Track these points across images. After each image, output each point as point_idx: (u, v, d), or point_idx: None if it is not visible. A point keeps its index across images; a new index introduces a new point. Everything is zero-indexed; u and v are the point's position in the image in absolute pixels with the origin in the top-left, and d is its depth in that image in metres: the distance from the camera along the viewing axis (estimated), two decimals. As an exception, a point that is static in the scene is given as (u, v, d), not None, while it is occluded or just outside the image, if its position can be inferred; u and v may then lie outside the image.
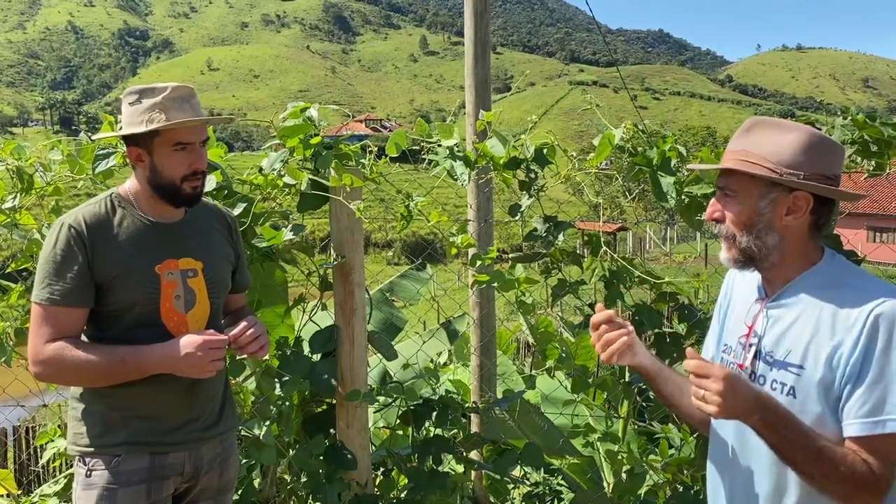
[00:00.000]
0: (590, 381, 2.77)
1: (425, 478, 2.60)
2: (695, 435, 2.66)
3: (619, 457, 2.81)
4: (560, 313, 2.93)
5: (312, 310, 2.65)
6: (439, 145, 2.45)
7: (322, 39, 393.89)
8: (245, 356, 2.03)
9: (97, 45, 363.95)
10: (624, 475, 2.80)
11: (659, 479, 2.80)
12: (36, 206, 2.55)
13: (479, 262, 2.56)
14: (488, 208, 2.98)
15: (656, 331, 2.57)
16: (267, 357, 2.40)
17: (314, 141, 2.38)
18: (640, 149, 2.42)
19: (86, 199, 1.93)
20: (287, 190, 2.47)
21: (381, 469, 2.75)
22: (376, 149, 2.49)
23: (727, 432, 1.59)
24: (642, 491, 2.79)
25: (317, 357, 2.50)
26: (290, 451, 2.54)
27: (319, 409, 2.60)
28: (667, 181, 2.36)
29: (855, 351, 1.36)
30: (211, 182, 2.35)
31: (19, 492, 3.02)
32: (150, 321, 1.86)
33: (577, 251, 2.72)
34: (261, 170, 2.42)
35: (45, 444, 2.82)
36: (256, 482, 2.59)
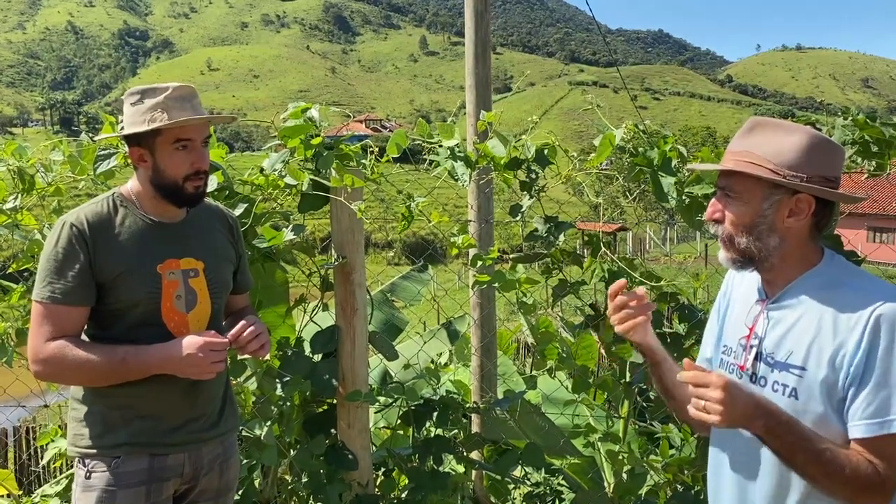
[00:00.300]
0: (590, 381, 2.78)
1: (426, 478, 2.60)
2: (695, 435, 2.66)
3: (620, 457, 2.81)
4: (560, 313, 2.93)
5: (313, 310, 2.65)
6: (440, 146, 2.45)
7: (322, 39, 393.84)
8: (247, 356, 2.03)
9: (97, 45, 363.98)
10: (625, 475, 2.80)
11: (660, 480, 2.81)
12: (37, 207, 2.55)
13: (479, 263, 2.56)
14: (489, 209, 2.98)
15: (656, 331, 2.56)
16: (268, 357, 2.40)
17: (315, 141, 2.38)
18: (640, 149, 2.42)
19: (87, 199, 1.93)
20: (288, 190, 2.47)
21: (382, 469, 2.75)
22: (377, 149, 2.50)
23: (728, 432, 1.59)
24: (643, 491, 2.79)
25: (318, 357, 2.51)
26: (291, 452, 2.54)
27: (320, 410, 2.60)
28: (667, 181, 2.36)
29: (858, 352, 1.36)
30: (212, 182, 2.35)
31: (20, 492, 3.02)
32: (151, 321, 1.86)
33: (578, 251, 2.72)
34: (262, 170, 2.42)
35: (46, 444, 2.82)
36: (257, 482, 2.59)
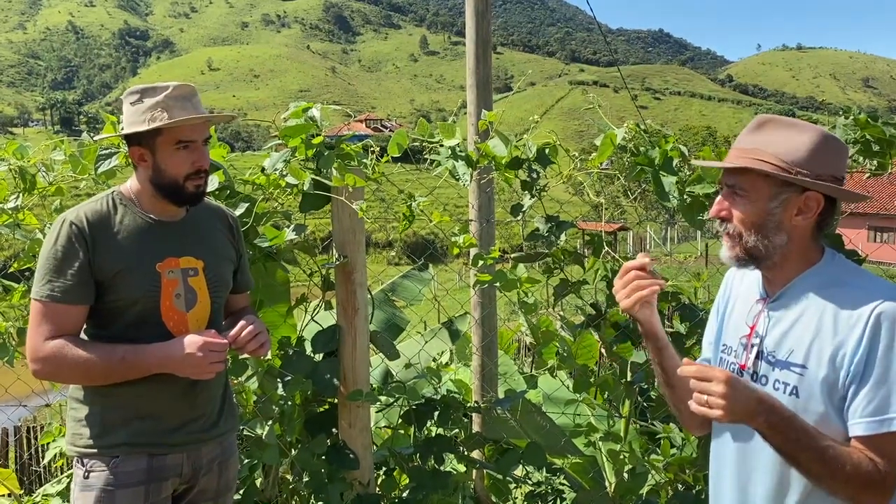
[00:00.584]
0: (591, 380, 2.77)
1: (427, 477, 2.60)
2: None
3: (621, 456, 2.81)
4: (561, 313, 2.93)
5: (314, 310, 2.65)
6: (441, 145, 2.45)
7: (322, 39, 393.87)
8: (247, 355, 2.03)
9: (97, 45, 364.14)
10: (626, 475, 2.80)
11: (661, 479, 2.81)
12: (38, 206, 2.55)
13: (480, 262, 2.56)
14: (490, 208, 2.98)
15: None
16: (269, 357, 2.40)
17: (316, 141, 2.38)
18: (641, 148, 2.42)
19: (87, 199, 1.93)
20: (289, 190, 2.47)
21: (383, 469, 2.75)
22: (378, 149, 2.50)
23: (729, 431, 1.59)
24: (644, 490, 2.79)
25: (319, 357, 2.51)
26: (293, 451, 2.54)
27: (321, 409, 2.60)
28: (669, 181, 2.36)
29: (858, 350, 1.37)
30: (213, 182, 2.35)
31: (21, 491, 3.02)
32: (150, 319, 1.85)
33: (579, 251, 2.72)
34: (263, 170, 2.42)
35: (48, 444, 2.82)
36: (258, 482, 2.59)
